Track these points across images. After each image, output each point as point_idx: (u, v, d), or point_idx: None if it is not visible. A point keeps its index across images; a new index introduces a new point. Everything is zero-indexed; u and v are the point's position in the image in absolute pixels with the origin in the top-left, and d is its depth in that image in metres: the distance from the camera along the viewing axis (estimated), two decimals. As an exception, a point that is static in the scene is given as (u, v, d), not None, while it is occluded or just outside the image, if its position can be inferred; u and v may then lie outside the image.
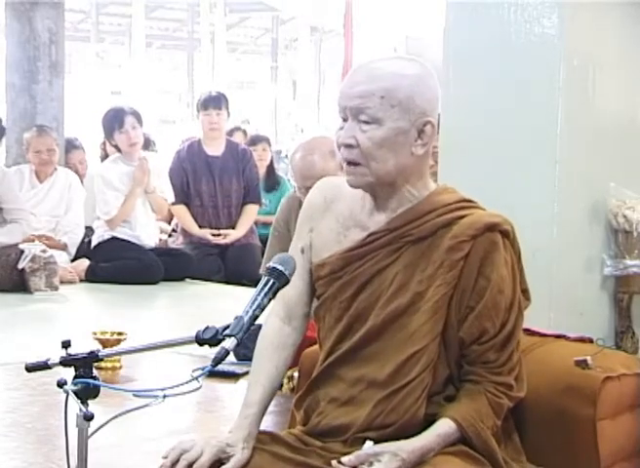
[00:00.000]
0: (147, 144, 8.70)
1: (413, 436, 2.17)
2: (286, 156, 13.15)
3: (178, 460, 2.16)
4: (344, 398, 2.27)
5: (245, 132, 9.55)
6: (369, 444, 2.16)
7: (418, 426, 2.19)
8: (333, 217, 2.35)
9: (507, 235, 2.24)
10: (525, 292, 2.31)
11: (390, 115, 2.19)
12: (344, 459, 2.10)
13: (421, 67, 2.26)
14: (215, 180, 7.66)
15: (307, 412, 2.33)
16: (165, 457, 2.18)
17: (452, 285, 2.20)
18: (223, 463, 2.17)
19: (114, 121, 7.33)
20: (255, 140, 8.79)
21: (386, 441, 2.17)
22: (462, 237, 2.21)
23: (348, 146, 2.22)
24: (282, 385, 4.02)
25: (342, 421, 2.24)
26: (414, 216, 2.25)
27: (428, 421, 2.20)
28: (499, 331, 2.21)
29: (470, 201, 2.31)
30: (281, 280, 2.08)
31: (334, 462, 2.11)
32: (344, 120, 2.25)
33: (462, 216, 2.24)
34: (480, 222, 2.22)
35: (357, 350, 2.27)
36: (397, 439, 2.17)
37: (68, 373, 2.02)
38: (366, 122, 2.20)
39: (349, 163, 2.23)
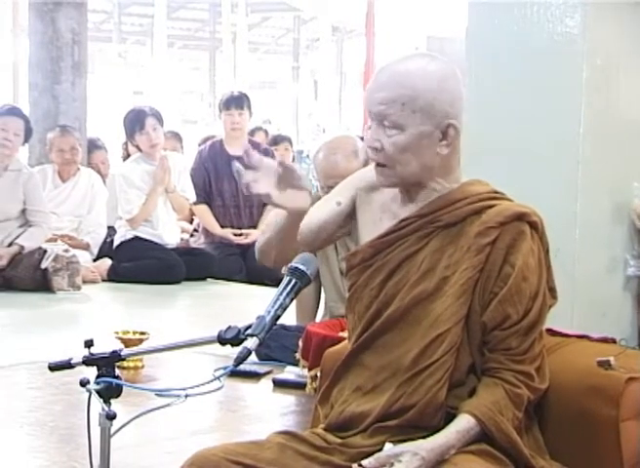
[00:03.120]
0: (176, 143, 8.73)
1: (432, 422, 2.19)
2: (307, 156, 13.17)
3: None
4: (369, 386, 2.29)
5: (266, 132, 9.56)
6: (389, 445, 2.17)
7: (438, 412, 2.20)
8: (374, 203, 2.39)
9: (536, 227, 2.27)
10: (552, 290, 2.32)
11: (412, 121, 2.23)
12: (365, 462, 2.12)
13: (444, 68, 2.27)
14: (236, 180, 7.65)
15: (333, 404, 2.35)
16: None
17: (478, 269, 2.22)
18: None
19: (135, 122, 7.34)
20: (276, 140, 8.80)
21: (406, 428, 2.19)
22: (491, 223, 2.24)
23: (374, 149, 2.27)
24: (305, 385, 4.03)
25: (364, 408, 2.26)
26: (445, 203, 2.29)
27: (450, 416, 2.20)
28: (521, 318, 2.23)
29: (500, 193, 2.35)
30: (303, 280, 2.09)
31: (354, 466, 2.11)
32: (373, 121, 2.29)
33: (492, 206, 2.28)
34: (509, 211, 2.26)
35: (382, 335, 2.29)
36: (417, 425, 2.19)
37: (91, 373, 2.03)
38: (389, 127, 2.24)
39: (377, 163, 2.29)
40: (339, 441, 2.26)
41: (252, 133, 8.62)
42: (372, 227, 2.36)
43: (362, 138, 4.52)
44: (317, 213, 2.39)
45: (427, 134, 2.24)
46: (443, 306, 2.23)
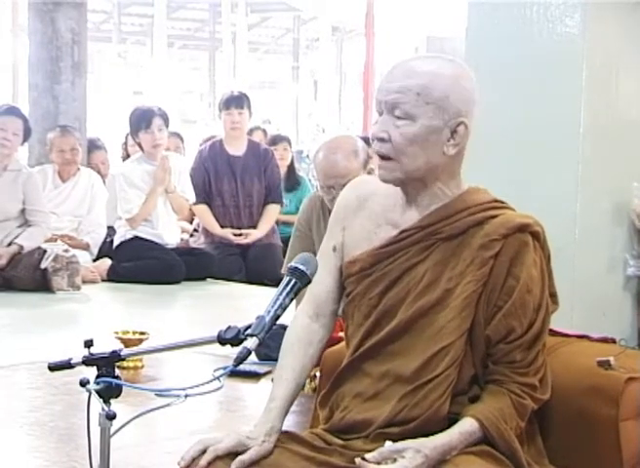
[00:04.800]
0: (178, 143, 8.74)
1: (435, 433, 2.17)
2: (307, 156, 13.17)
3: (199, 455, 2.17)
4: (370, 393, 2.28)
5: (264, 131, 9.55)
6: (389, 443, 2.16)
7: (440, 423, 2.19)
8: (365, 216, 2.37)
9: (538, 237, 2.25)
10: (553, 296, 2.31)
11: (424, 112, 2.21)
12: (368, 456, 2.11)
13: (460, 68, 2.27)
14: (236, 180, 7.67)
15: (332, 409, 2.34)
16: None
17: (481, 282, 2.21)
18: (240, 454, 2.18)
19: (142, 120, 7.33)
20: (275, 140, 8.79)
21: (408, 437, 2.17)
22: (494, 236, 2.22)
23: (381, 140, 2.24)
24: (304, 385, 4.02)
25: (366, 416, 2.25)
26: (446, 214, 2.27)
27: (452, 421, 2.20)
28: (526, 331, 2.22)
29: (502, 202, 2.32)
30: (303, 280, 2.08)
31: (357, 459, 2.11)
32: (381, 114, 2.26)
33: (494, 216, 2.26)
34: (512, 222, 2.24)
35: (384, 345, 2.28)
36: (419, 435, 2.17)
37: (91, 373, 2.03)
38: (399, 117, 2.22)
39: (381, 157, 2.26)
40: (340, 442, 2.25)
41: (250, 132, 8.60)
42: (365, 242, 2.34)
43: (363, 139, 4.52)
44: (324, 276, 2.35)
45: (437, 129, 2.22)
46: (446, 319, 2.22)
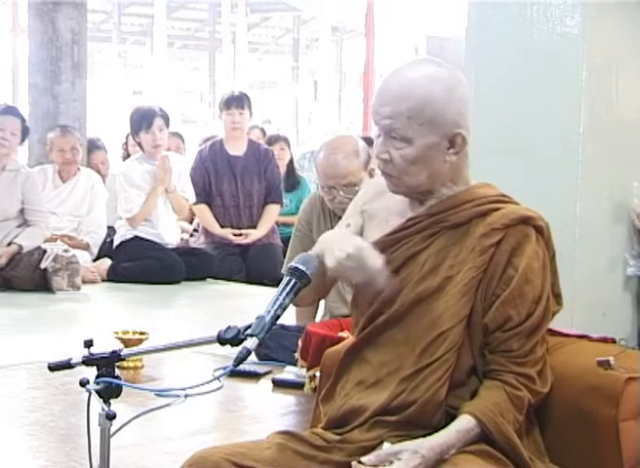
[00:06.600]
0: (179, 143, 8.74)
1: (431, 421, 2.20)
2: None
3: None
4: (371, 380, 2.30)
5: (262, 130, 9.53)
6: (387, 444, 2.17)
7: (437, 408, 2.21)
8: (381, 206, 2.42)
9: (541, 231, 2.28)
10: (557, 296, 2.33)
11: (419, 133, 2.25)
12: (364, 459, 2.12)
13: (450, 76, 2.29)
14: (236, 180, 7.67)
15: (336, 400, 2.35)
16: None
17: (481, 269, 2.23)
18: None
19: (143, 120, 7.32)
20: (272, 140, 8.78)
21: (405, 424, 2.20)
22: (496, 225, 2.26)
23: (383, 161, 2.29)
24: (304, 385, 4.03)
25: (365, 401, 2.27)
26: (452, 205, 2.31)
27: (450, 415, 2.21)
28: (524, 321, 2.23)
29: (508, 197, 2.36)
30: (303, 280, 2.09)
31: (354, 463, 2.12)
32: (380, 134, 2.30)
33: (498, 209, 2.29)
34: (515, 214, 2.27)
35: (384, 332, 2.30)
36: (416, 422, 2.20)
37: (91, 373, 2.03)
38: (397, 139, 2.26)
39: (386, 174, 2.31)
40: (337, 438, 2.27)
41: (247, 131, 8.58)
42: (378, 231, 2.38)
43: (363, 139, 4.52)
44: None
45: (434, 144, 2.26)
46: (445, 305, 2.24)
